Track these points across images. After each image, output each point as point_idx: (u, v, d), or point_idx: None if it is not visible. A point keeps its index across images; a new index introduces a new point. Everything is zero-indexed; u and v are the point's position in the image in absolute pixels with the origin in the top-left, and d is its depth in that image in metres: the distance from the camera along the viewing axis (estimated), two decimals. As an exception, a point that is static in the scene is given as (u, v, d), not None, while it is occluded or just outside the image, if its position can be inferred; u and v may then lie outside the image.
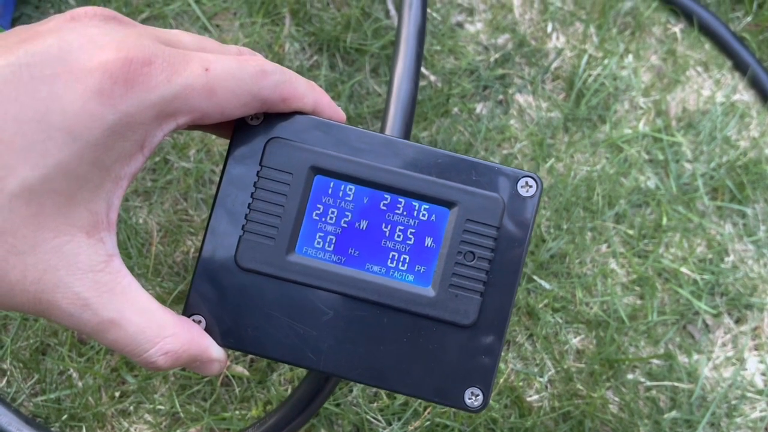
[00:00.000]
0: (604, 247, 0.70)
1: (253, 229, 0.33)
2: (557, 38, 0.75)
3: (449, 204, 0.33)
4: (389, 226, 0.33)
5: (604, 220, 0.70)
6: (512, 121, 0.72)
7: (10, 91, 0.25)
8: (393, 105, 0.44)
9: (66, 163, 0.26)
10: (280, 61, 0.67)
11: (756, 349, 0.70)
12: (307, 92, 0.32)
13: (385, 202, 0.33)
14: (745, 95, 0.77)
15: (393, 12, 0.71)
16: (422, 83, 0.71)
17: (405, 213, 0.33)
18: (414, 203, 0.33)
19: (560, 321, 0.66)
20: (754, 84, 0.77)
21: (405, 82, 0.44)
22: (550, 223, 0.68)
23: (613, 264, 0.69)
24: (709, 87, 0.77)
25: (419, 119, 0.69)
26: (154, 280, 0.61)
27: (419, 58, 0.45)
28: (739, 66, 0.77)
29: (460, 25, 0.74)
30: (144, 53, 0.27)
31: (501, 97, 0.73)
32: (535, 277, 0.66)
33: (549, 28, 0.75)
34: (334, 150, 0.33)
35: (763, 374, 0.69)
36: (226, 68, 0.29)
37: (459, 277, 0.33)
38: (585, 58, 0.74)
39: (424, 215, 0.33)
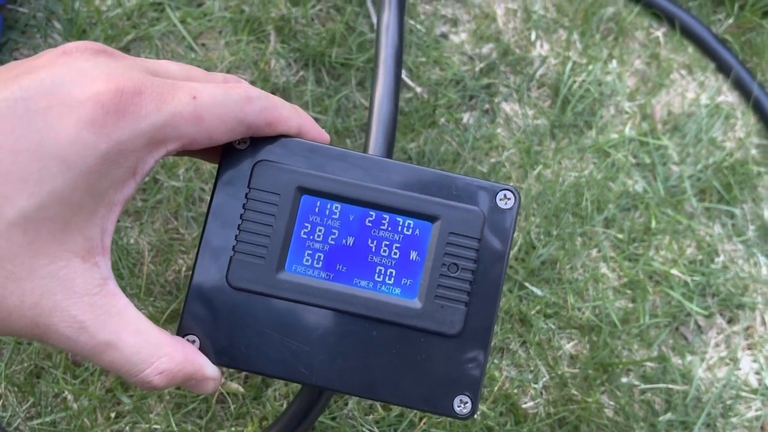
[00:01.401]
0: (594, 252, 0.70)
1: (243, 249, 0.34)
2: (541, 46, 0.76)
3: (432, 218, 0.34)
4: (375, 242, 0.34)
5: (594, 225, 0.70)
6: (499, 130, 0.72)
7: (5, 125, 0.26)
8: (374, 126, 0.45)
9: (61, 191, 0.27)
10: (267, 78, 0.68)
11: (749, 348, 0.71)
12: (292, 116, 0.34)
13: (371, 218, 0.34)
14: (729, 96, 0.78)
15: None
16: (408, 95, 0.71)
17: (390, 228, 0.34)
18: (398, 219, 0.34)
19: (553, 327, 0.66)
20: (738, 85, 0.77)
21: (385, 104, 0.46)
22: (540, 230, 0.69)
23: (603, 268, 0.70)
24: (694, 89, 0.78)
25: (407, 131, 0.69)
26: (146, 300, 0.61)
27: (398, 78, 0.47)
28: (723, 68, 0.78)
29: (444, 36, 0.75)
30: (134, 84, 0.28)
31: (487, 106, 0.73)
32: (526, 284, 0.67)
33: (533, 37, 0.76)
34: (320, 170, 0.34)
35: (757, 373, 0.70)
36: (213, 96, 0.30)
37: (444, 288, 0.34)
38: (569, 64, 0.75)
39: (408, 230, 0.34)
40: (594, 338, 0.67)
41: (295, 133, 0.34)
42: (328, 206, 0.34)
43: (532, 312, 0.66)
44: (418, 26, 0.74)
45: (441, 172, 0.35)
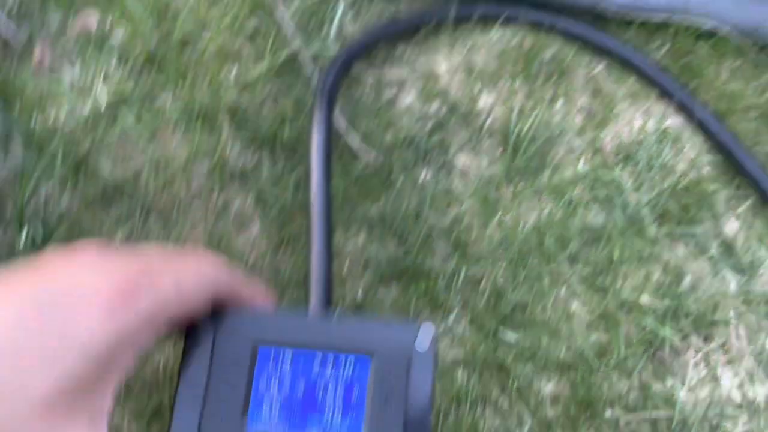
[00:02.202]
0: (563, 290, 0.72)
1: (209, 412, 0.38)
2: (486, 97, 0.78)
3: (367, 358, 0.39)
4: (322, 383, 0.39)
5: (559, 263, 0.72)
6: (456, 183, 0.74)
7: (34, 321, 0.31)
8: (314, 286, 0.58)
9: (78, 374, 0.32)
10: (224, 166, 0.70)
11: (729, 363, 0.72)
12: (249, 286, 0.40)
13: (317, 360, 0.39)
14: (675, 120, 0.80)
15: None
16: (365, 159, 0.74)
17: (333, 369, 0.39)
18: (340, 358, 0.39)
19: (531, 371, 0.68)
20: (682, 108, 0.80)
21: (319, 265, 0.56)
22: (507, 276, 0.71)
23: (574, 305, 0.71)
24: (640, 118, 0.80)
25: (366, 197, 0.71)
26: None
27: (329, 239, 0.55)
28: (666, 93, 0.80)
29: (392, 100, 0.77)
30: (134, 278, 0.34)
31: (442, 160, 0.75)
32: (499, 331, 0.68)
33: (477, 89, 0.78)
34: (272, 332, 0.39)
35: (740, 387, 0.71)
36: (192, 279, 0.36)
37: (383, 424, 0.38)
38: (516, 111, 0.77)
39: (349, 369, 0.39)
40: (573, 376, 0.68)
41: (250, 302, 0.40)
42: (281, 357, 0.39)
43: (509, 359, 0.67)
44: (367, 92, 0.76)
45: (369, 320, 0.40)
